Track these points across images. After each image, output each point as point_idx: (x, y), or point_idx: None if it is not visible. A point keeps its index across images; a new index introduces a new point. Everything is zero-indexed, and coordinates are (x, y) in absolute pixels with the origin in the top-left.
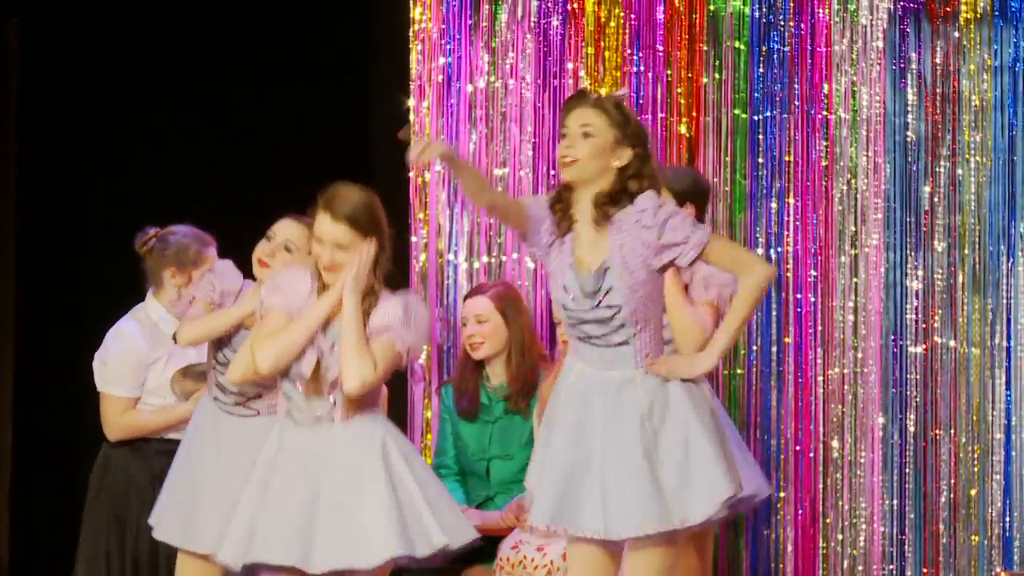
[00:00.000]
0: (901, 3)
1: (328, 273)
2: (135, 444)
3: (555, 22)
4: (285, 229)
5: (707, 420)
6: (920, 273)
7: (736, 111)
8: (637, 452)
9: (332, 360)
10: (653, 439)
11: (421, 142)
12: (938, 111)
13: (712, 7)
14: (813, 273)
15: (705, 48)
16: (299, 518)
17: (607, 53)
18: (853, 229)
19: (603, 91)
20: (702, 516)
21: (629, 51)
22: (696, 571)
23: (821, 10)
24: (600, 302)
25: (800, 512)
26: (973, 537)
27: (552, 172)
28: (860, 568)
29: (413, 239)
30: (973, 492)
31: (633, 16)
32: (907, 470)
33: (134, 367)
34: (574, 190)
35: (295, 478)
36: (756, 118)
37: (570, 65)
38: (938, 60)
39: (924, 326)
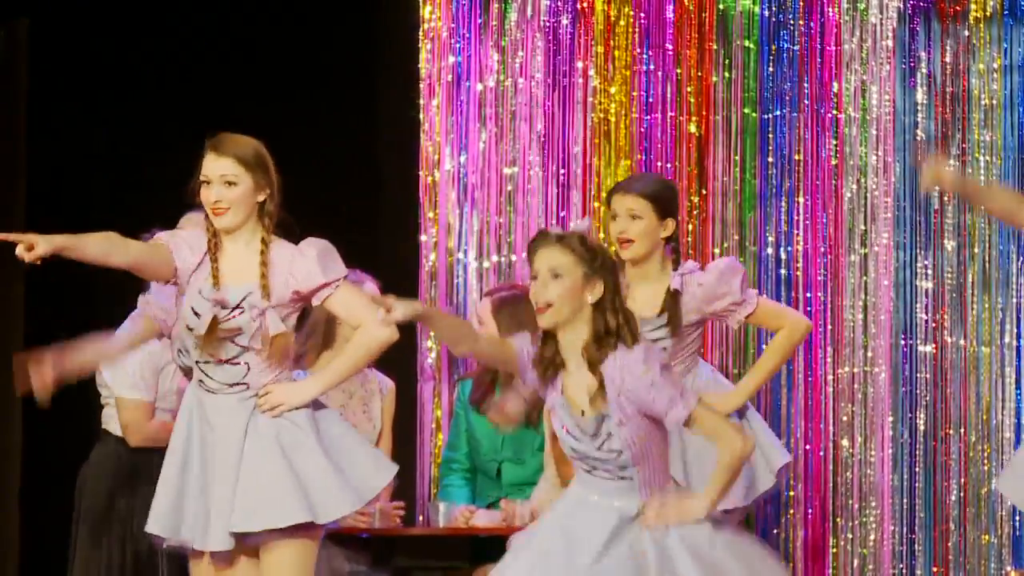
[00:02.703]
0: (911, 2)
1: (216, 216)
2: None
3: (565, 21)
4: (191, 221)
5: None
6: (930, 272)
7: (746, 110)
8: (684, 555)
9: (233, 316)
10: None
11: (387, 304)
12: (948, 110)
13: (722, 6)
14: (823, 272)
15: (715, 47)
16: (229, 499)
17: (617, 52)
18: (863, 228)
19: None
20: None
21: (639, 50)
22: None
23: (831, 9)
24: (602, 445)
25: (810, 511)
26: (983, 536)
27: (562, 171)
28: (870, 567)
29: (423, 238)
30: (983, 491)
31: (643, 15)
32: (917, 469)
33: (153, 371)
34: (555, 335)
35: (223, 460)
36: (766, 117)
37: (580, 64)
38: (948, 59)
39: (934, 325)
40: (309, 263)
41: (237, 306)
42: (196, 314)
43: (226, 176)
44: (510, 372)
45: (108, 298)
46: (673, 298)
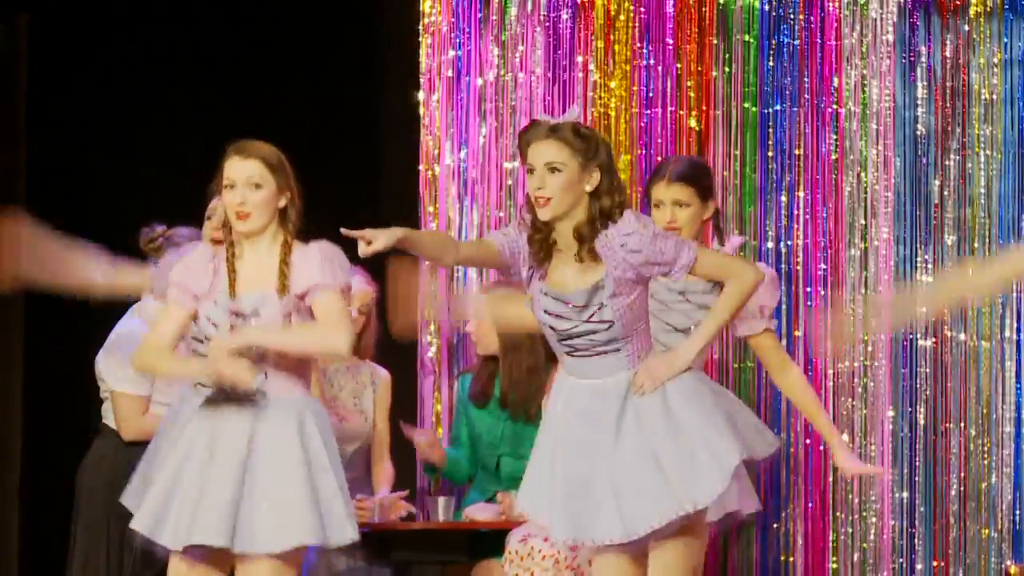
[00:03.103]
0: None
1: (239, 220)
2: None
3: (565, 15)
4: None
5: (703, 397)
6: (930, 267)
7: (746, 105)
8: (639, 450)
9: (249, 325)
10: (651, 433)
11: (366, 235)
12: (948, 105)
13: (722, 1)
14: (823, 266)
15: (715, 42)
16: (230, 501)
17: (617, 46)
18: (863, 223)
19: (608, 93)
20: (711, 494)
21: (639, 44)
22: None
23: (831, 3)
24: (591, 316)
25: (810, 505)
26: (983, 530)
27: None
28: (870, 561)
29: None
30: (983, 485)
31: (643, 9)
32: (917, 463)
33: None
34: (548, 223)
35: (223, 457)
36: (766, 111)
37: (580, 59)
38: (948, 54)
39: (934, 319)
40: (310, 265)
41: (253, 313)
42: (213, 324)
43: (252, 178)
44: (498, 267)
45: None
46: None
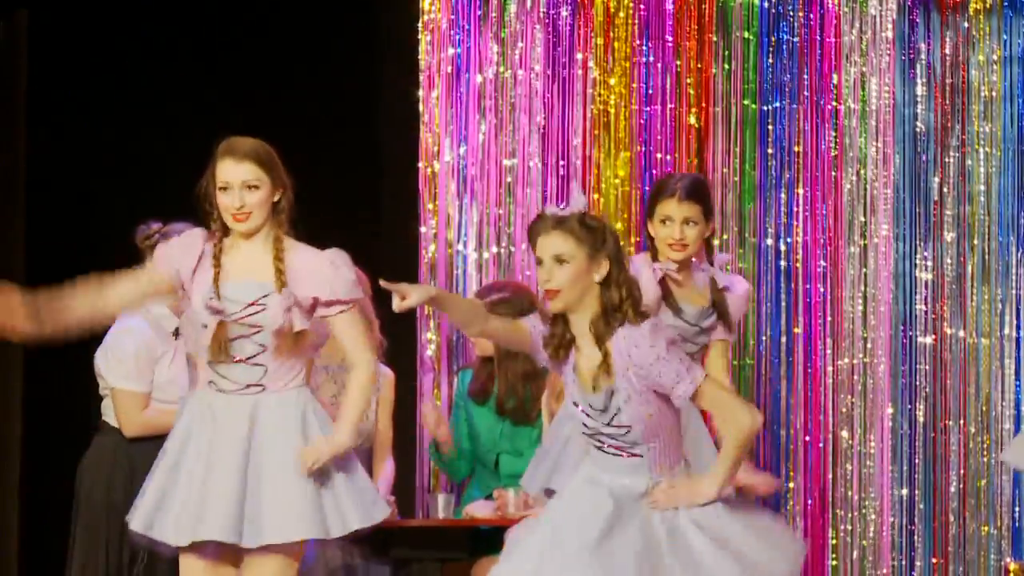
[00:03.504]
0: None
1: (238, 222)
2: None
3: (564, 12)
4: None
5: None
6: (929, 263)
7: (745, 101)
8: (697, 534)
9: (258, 318)
10: (714, 525)
11: (400, 290)
12: (947, 102)
13: None
14: (822, 263)
15: (714, 38)
16: (235, 496)
17: (616, 43)
18: (862, 219)
19: (608, 90)
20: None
21: (638, 41)
22: None
23: (830, 1)
24: (611, 420)
25: (809, 502)
26: (983, 527)
27: (562, 162)
28: (870, 558)
29: (422, 229)
30: (982, 482)
31: (642, 6)
32: (916, 460)
33: (148, 362)
34: (565, 316)
35: (225, 451)
36: (765, 108)
37: (579, 55)
38: (947, 51)
39: (933, 316)
40: (334, 274)
41: (256, 302)
42: (212, 311)
43: (248, 180)
44: (524, 352)
45: None
46: (720, 290)
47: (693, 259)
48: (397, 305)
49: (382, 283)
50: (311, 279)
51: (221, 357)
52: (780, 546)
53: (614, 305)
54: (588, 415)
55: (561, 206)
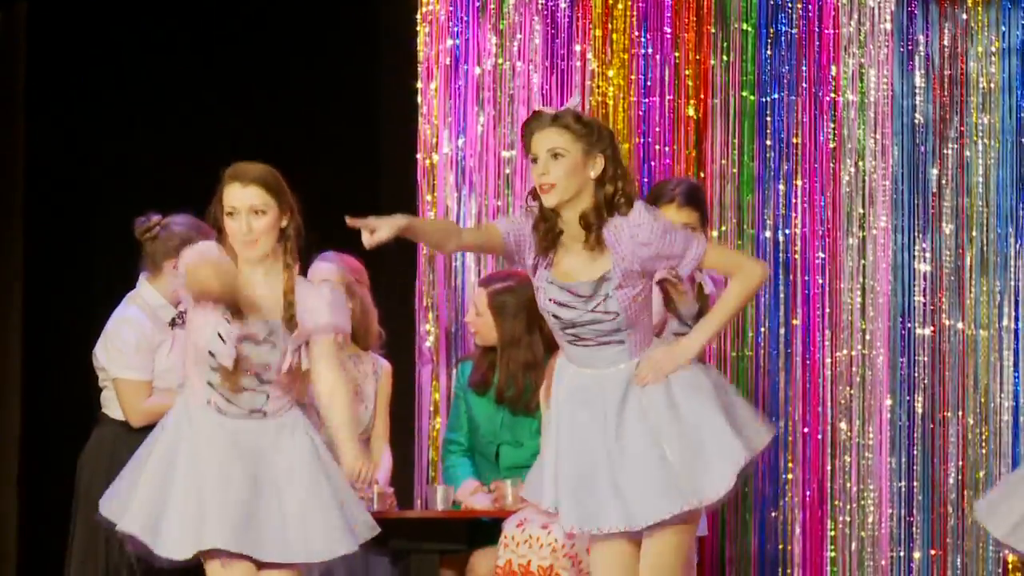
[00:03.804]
0: None
1: (247, 247)
2: (128, 427)
3: (563, 4)
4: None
5: (707, 391)
6: (928, 255)
7: (744, 93)
8: (644, 441)
9: (261, 351)
10: (656, 425)
11: (368, 224)
12: (946, 93)
13: None
14: (821, 255)
15: (713, 30)
16: (245, 506)
17: (615, 35)
18: (861, 211)
19: (606, 81)
20: (718, 491)
21: (637, 33)
22: None
23: None
24: (596, 306)
25: (808, 494)
26: None
27: None
28: (868, 550)
29: None
30: (981, 474)
31: None
32: (915, 452)
33: (148, 351)
34: (555, 210)
35: (232, 467)
36: (764, 100)
37: (578, 47)
38: (946, 42)
39: (932, 308)
40: (321, 302)
41: (264, 340)
42: (221, 338)
43: (255, 206)
44: (502, 255)
45: (107, 279)
46: (706, 296)
47: None
48: (367, 240)
49: (348, 220)
50: (311, 316)
51: (227, 386)
52: (713, 464)
53: (609, 199)
54: (566, 305)
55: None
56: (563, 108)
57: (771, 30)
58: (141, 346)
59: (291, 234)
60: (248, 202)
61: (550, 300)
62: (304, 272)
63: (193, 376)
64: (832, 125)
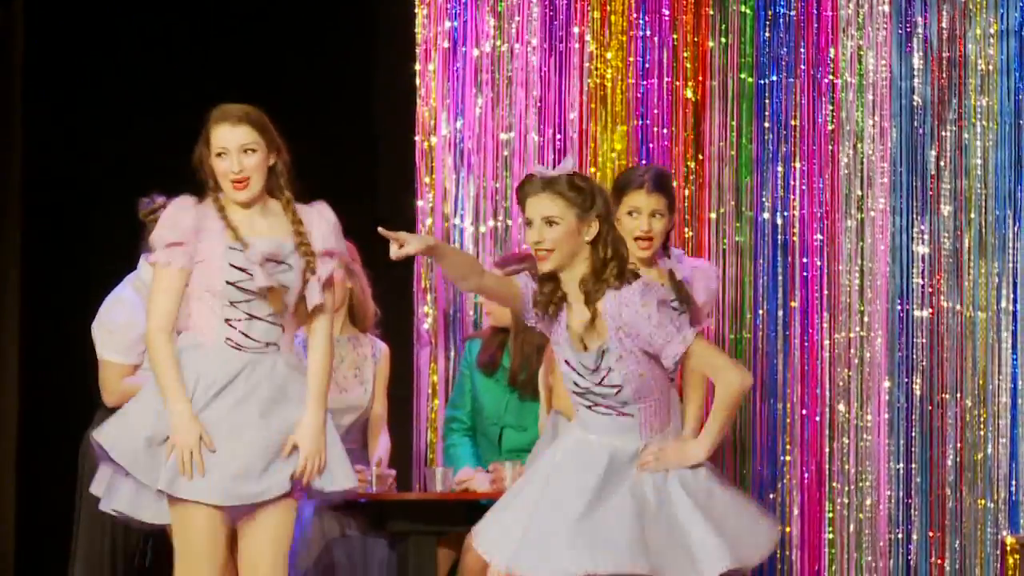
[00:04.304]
0: None
1: (238, 189)
2: None
3: None
4: None
5: (704, 497)
6: (926, 237)
7: (742, 75)
8: (685, 502)
9: (281, 272)
10: (697, 492)
11: (399, 238)
12: (944, 75)
13: None
14: (819, 237)
15: (711, 12)
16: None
17: (613, 17)
18: (859, 193)
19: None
20: (763, 556)
21: (635, 15)
22: None
23: None
24: (602, 380)
25: (806, 476)
26: (979, 500)
27: (558, 136)
28: (866, 532)
29: (419, 203)
30: (979, 456)
31: None
32: (913, 434)
33: (138, 334)
34: (555, 275)
35: (254, 411)
36: (762, 82)
37: (576, 29)
38: (944, 24)
39: (930, 290)
40: (327, 226)
41: (281, 262)
42: (239, 268)
43: (246, 144)
44: (515, 308)
45: (105, 265)
46: (679, 282)
47: None
48: (394, 252)
49: (380, 230)
50: (315, 235)
51: (255, 311)
52: (759, 522)
53: (602, 263)
54: (578, 373)
55: (548, 168)
56: (557, 173)
57: (769, 12)
58: (130, 328)
59: (281, 170)
60: (238, 141)
61: (566, 363)
62: None
63: (202, 321)
64: (830, 107)
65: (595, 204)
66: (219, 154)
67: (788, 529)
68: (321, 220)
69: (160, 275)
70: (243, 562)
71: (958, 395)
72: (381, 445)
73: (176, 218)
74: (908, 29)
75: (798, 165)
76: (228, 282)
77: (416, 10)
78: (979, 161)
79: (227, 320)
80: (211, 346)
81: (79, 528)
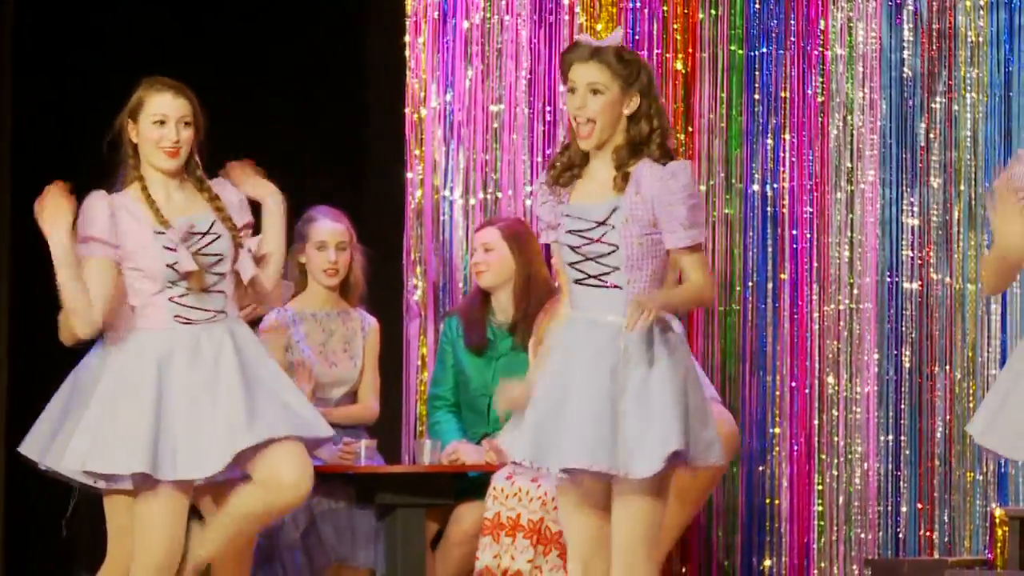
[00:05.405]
0: None
1: (171, 157)
2: None
3: None
4: None
5: (678, 378)
6: (916, 209)
7: (732, 47)
8: (603, 400)
9: (210, 243)
10: (622, 388)
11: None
12: (934, 47)
13: None
14: (809, 209)
15: None
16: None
17: None
18: (849, 165)
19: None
20: (645, 472)
21: None
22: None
23: None
24: (602, 236)
25: (795, 448)
26: (968, 473)
27: (548, 108)
28: (856, 504)
29: (409, 175)
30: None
31: None
32: (902, 406)
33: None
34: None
35: (225, 378)
36: (752, 54)
37: (566, 1)
38: None
39: (920, 262)
40: (238, 200)
41: (208, 232)
42: (169, 249)
43: (185, 116)
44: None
45: None
46: None
47: None
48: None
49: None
50: (238, 208)
51: (196, 286)
52: (653, 446)
53: (642, 137)
54: (580, 233)
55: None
56: (605, 43)
57: None
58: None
59: (196, 147)
60: (179, 112)
61: (567, 232)
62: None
63: (148, 306)
64: (820, 79)
65: (639, 78)
66: (158, 122)
67: (777, 502)
68: (233, 195)
69: (86, 265)
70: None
71: (947, 367)
72: (369, 411)
73: (92, 213)
74: (898, 1)
75: (788, 137)
76: (167, 265)
77: None
78: (969, 133)
79: (170, 299)
80: (162, 327)
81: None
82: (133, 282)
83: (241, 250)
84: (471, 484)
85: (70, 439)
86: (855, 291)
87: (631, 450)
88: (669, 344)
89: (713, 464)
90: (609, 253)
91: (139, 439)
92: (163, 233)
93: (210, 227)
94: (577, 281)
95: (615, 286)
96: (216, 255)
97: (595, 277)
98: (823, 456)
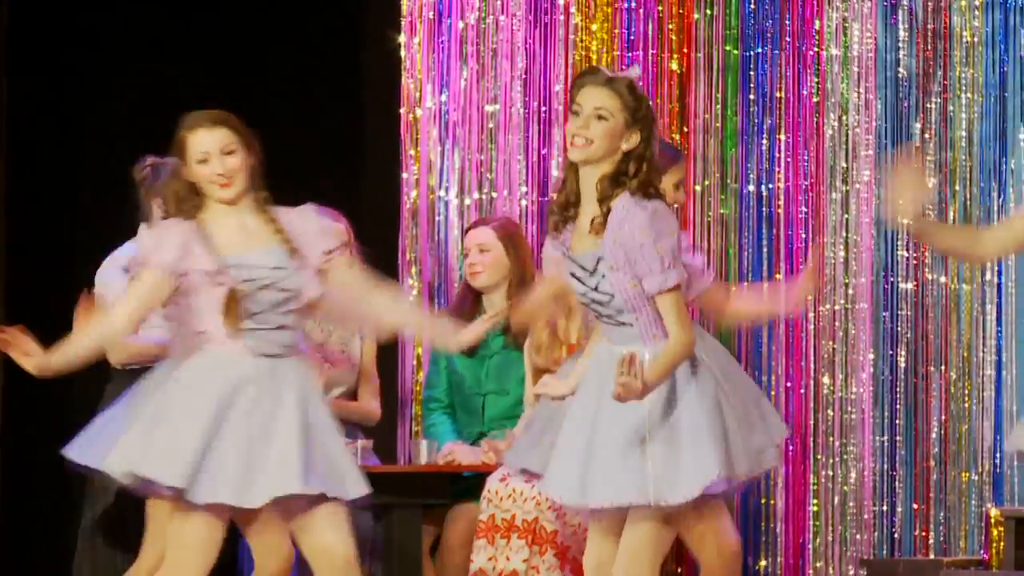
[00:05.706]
0: None
1: (224, 189)
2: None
3: None
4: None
5: (707, 401)
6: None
7: (727, 47)
8: (631, 429)
9: (293, 283)
10: (647, 416)
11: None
12: (929, 47)
13: None
14: (804, 209)
15: None
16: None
17: None
18: (844, 165)
19: (591, 35)
20: (681, 498)
21: None
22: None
23: None
24: (597, 286)
25: (791, 448)
26: (964, 473)
27: (544, 108)
28: (851, 504)
29: (404, 175)
30: (964, 428)
31: None
32: (898, 406)
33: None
34: (576, 172)
35: (286, 415)
36: (747, 54)
37: (561, 1)
38: None
39: (915, 262)
40: (320, 227)
41: (279, 267)
42: (248, 281)
43: (226, 146)
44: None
45: (89, 237)
46: None
47: None
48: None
49: None
50: (312, 236)
51: (262, 323)
52: (688, 472)
53: (627, 173)
54: (580, 280)
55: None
56: (622, 75)
57: None
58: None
59: (257, 171)
60: (218, 144)
61: (571, 275)
62: None
63: (216, 330)
64: (815, 79)
65: (644, 117)
66: (201, 161)
67: (773, 502)
68: (312, 223)
69: (140, 278)
70: None
71: (942, 367)
72: (368, 407)
73: (165, 237)
74: (893, 1)
75: (783, 137)
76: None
77: None
78: (964, 133)
79: (252, 329)
80: (234, 354)
81: (87, 497)
82: (203, 309)
83: (304, 273)
84: (467, 486)
85: (115, 440)
86: (850, 291)
87: (663, 477)
88: (692, 365)
89: (767, 469)
90: (607, 301)
91: (185, 454)
92: (230, 268)
93: (279, 263)
94: (596, 317)
95: (626, 324)
96: (286, 291)
97: (606, 316)
98: (819, 456)
